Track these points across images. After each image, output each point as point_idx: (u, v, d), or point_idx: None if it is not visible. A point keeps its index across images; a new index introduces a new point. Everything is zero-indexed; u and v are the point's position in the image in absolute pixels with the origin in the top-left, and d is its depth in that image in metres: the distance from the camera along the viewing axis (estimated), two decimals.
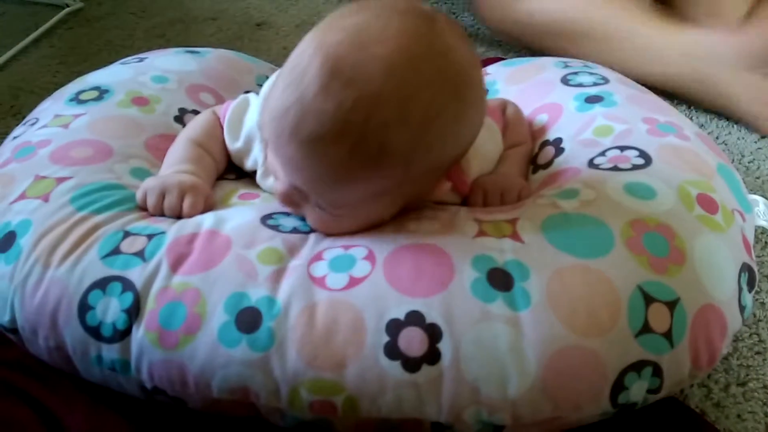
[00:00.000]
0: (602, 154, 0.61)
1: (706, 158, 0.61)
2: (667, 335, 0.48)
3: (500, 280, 0.49)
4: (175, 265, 0.51)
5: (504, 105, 0.71)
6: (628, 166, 0.58)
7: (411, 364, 0.46)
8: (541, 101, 0.72)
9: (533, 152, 0.68)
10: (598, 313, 0.47)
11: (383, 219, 0.54)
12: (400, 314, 0.47)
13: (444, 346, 0.46)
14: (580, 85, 0.72)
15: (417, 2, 0.52)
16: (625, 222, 0.52)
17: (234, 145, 0.65)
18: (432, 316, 0.47)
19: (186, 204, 0.56)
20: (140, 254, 0.52)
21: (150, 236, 0.53)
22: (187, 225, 0.55)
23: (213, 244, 0.52)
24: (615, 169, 0.58)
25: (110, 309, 0.50)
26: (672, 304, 0.49)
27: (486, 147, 0.63)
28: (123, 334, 0.50)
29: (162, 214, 0.57)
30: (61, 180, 0.58)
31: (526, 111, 0.72)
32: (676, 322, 0.49)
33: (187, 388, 0.49)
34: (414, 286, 0.48)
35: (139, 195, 0.58)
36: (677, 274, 0.50)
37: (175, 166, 0.61)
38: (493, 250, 0.51)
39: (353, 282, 0.49)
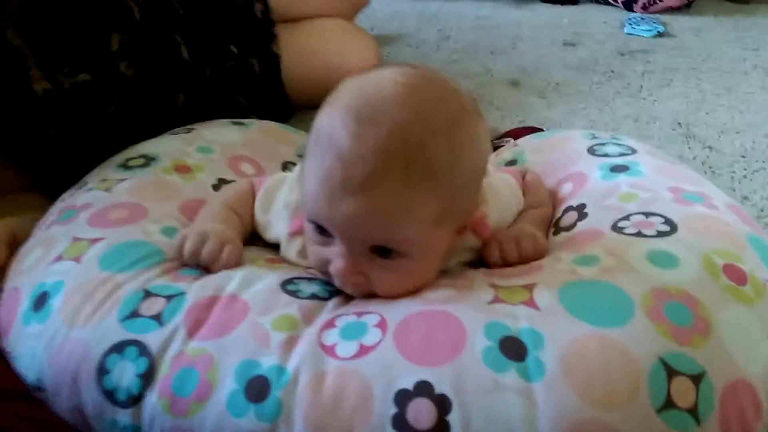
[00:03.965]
0: (626, 218, 0.58)
1: (736, 228, 0.58)
2: (693, 411, 0.44)
3: (513, 348, 0.46)
4: (192, 331, 0.50)
5: (524, 171, 0.71)
6: (653, 232, 0.55)
7: None
8: (567, 171, 0.70)
9: (554, 217, 0.66)
10: (616, 385, 0.44)
11: (443, 253, 0.55)
12: (409, 384, 0.45)
13: (453, 418, 0.44)
14: (606, 155, 0.70)
15: None
16: (645, 290, 0.49)
17: (262, 216, 0.66)
18: (441, 387, 0.45)
19: (225, 252, 0.56)
20: (158, 318, 0.51)
21: (169, 298, 0.53)
22: (208, 286, 0.54)
23: (231, 309, 0.52)
24: (639, 234, 0.55)
25: (126, 373, 0.49)
26: (697, 378, 0.45)
27: (503, 194, 0.64)
28: (136, 400, 0.49)
29: (196, 263, 0.56)
30: (94, 241, 0.59)
31: (552, 180, 0.71)
32: (702, 398, 0.45)
33: None
34: (424, 354, 0.46)
35: (177, 240, 0.58)
36: (702, 346, 0.46)
37: (208, 223, 0.62)
38: (508, 317, 0.48)
39: (363, 350, 0.47)
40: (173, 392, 0.48)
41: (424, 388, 0.45)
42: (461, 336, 0.47)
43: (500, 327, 0.47)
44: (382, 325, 0.49)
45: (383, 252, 0.51)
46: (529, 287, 0.51)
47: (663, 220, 0.57)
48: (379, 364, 0.46)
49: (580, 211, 0.63)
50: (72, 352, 0.51)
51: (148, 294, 0.53)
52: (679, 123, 1.18)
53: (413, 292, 0.53)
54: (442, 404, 0.44)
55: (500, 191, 0.64)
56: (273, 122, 0.91)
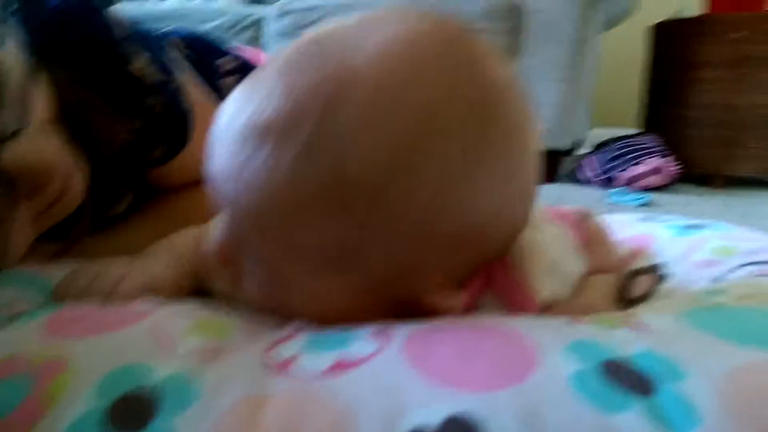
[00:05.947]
0: (738, 268, 0.39)
1: None
2: None
3: (628, 376, 0.24)
4: (56, 326, 0.28)
5: (583, 215, 0.45)
6: None
7: None
8: (620, 236, 0.51)
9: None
10: None
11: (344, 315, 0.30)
12: (434, 419, 0.22)
13: None
14: (668, 220, 0.53)
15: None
16: None
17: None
18: (498, 426, 0.22)
19: (126, 282, 0.34)
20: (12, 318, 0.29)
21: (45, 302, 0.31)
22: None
23: (128, 310, 0.30)
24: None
25: None
26: None
27: (564, 262, 0.39)
28: None
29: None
30: None
31: None
32: None
33: None
34: (462, 372, 0.24)
35: (62, 279, 0.35)
36: None
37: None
38: (607, 338, 0.27)
39: (343, 365, 0.25)
40: None
41: (461, 427, 0.22)
42: (528, 352, 0.25)
43: (596, 348, 0.26)
44: (380, 335, 0.27)
45: None
46: (627, 317, 0.30)
47: None
48: (373, 382, 0.24)
49: (658, 272, 0.44)
50: None
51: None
52: None
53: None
54: None
55: (560, 259, 0.38)
56: None
